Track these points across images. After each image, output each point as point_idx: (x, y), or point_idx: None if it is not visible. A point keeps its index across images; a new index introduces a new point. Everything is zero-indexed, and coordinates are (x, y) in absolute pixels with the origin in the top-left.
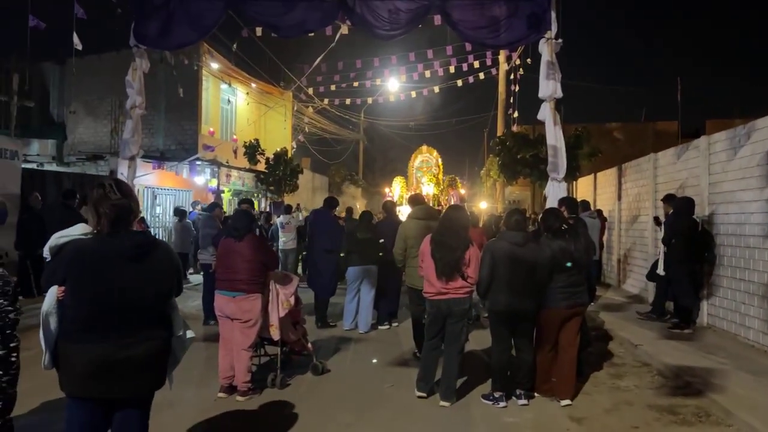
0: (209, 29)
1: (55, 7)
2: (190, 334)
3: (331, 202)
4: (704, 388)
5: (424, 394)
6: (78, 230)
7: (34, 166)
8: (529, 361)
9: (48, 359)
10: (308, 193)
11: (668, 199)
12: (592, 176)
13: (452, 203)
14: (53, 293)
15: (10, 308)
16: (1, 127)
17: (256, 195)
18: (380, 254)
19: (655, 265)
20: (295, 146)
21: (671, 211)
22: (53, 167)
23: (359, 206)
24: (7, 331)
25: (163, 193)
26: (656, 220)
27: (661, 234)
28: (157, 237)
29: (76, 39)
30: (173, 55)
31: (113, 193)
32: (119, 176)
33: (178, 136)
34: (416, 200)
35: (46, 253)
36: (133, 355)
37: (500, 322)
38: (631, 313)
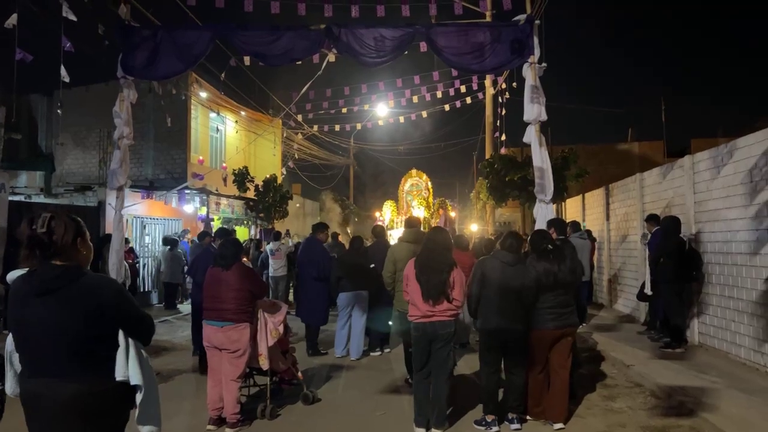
0: (197, 59)
1: (42, 40)
2: (136, 380)
3: (319, 228)
4: (697, 408)
5: (423, 430)
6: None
7: (21, 198)
8: (521, 383)
9: (9, 387)
10: (299, 219)
11: (650, 218)
12: (580, 197)
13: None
14: None
15: None
16: None
17: (246, 222)
18: (371, 279)
19: (644, 285)
20: (284, 172)
21: (654, 230)
22: (41, 199)
23: (338, 222)
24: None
25: (152, 222)
26: (644, 237)
27: (647, 252)
28: (86, 272)
29: (63, 72)
30: (161, 85)
31: (39, 227)
32: (107, 207)
33: (167, 165)
34: (410, 223)
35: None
36: (55, 396)
37: (490, 343)
38: (623, 333)
